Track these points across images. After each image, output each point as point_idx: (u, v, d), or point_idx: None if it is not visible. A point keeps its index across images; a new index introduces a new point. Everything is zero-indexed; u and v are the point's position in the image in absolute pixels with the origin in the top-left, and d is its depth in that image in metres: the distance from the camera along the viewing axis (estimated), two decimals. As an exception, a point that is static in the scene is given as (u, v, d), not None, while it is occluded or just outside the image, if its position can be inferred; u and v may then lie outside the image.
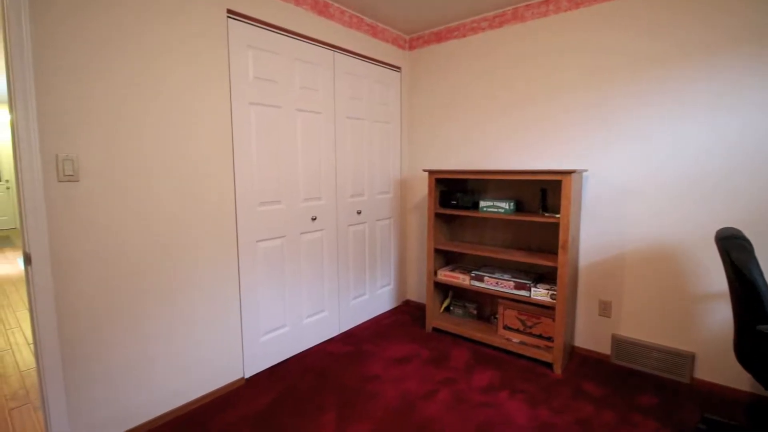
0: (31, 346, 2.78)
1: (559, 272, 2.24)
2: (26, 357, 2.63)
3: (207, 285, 2.05)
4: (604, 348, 2.49)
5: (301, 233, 2.53)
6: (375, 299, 3.18)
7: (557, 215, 2.32)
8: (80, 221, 1.62)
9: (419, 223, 3.36)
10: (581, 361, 2.46)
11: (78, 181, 1.60)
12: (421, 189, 3.31)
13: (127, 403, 1.79)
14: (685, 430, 1.82)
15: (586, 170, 2.40)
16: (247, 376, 2.28)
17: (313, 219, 2.59)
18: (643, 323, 2.34)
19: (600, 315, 2.48)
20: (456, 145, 3.04)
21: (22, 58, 1.45)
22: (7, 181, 7.42)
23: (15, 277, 4.55)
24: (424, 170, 2.74)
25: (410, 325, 3.02)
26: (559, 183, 2.52)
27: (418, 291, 3.44)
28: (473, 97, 2.91)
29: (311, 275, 2.62)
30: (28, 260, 1.52)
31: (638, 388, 2.17)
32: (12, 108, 1.47)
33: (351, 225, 2.89)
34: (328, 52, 2.61)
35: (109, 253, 1.70)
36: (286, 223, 2.43)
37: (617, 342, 2.41)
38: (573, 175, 2.17)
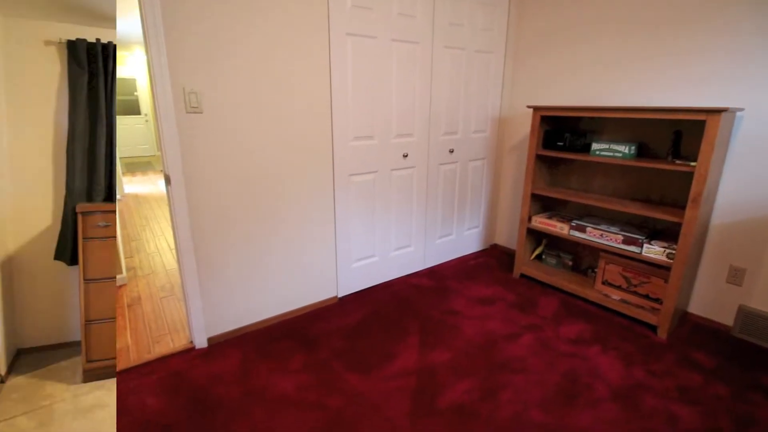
0: (173, 251, 3.40)
1: (683, 229, 1.94)
2: (170, 259, 3.24)
3: (307, 212, 2.22)
4: (726, 319, 2.18)
5: (392, 170, 2.55)
6: (461, 240, 3.16)
7: (692, 163, 1.94)
8: (204, 149, 1.83)
9: (516, 165, 3.14)
10: (693, 328, 2.20)
11: (202, 112, 1.78)
12: (522, 128, 3.04)
13: (245, 305, 2.12)
14: (821, 420, 1.56)
15: (741, 109, 1.92)
16: (340, 295, 2.52)
17: (405, 156, 2.57)
18: (785, 297, 1.97)
19: (728, 282, 2.14)
20: (568, 78, 2.66)
21: (152, 5, 1.58)
22: (145, 114, 8.67)
23: (157, 195, 5.48)
24: (529, 106, 2.47)
25: (496, 268, 2.97)
26: (699, 124, 2.09)
27: (508, 236, 3.32)
28: (594, 18, 2.44)
29: (400, 211, 2.67)
30: (168, 181, 1.79)
31: (763, 366, 1.89)
32: (147, 49, 1.64)
33: (442, 164, 2.81)
34: (430, -29, 2.37)
35: (228, 178, 1.92)
36: (378, 158, 2.46)
37: (745, 314, 2.09)
38: (724, 114, 1.76)
